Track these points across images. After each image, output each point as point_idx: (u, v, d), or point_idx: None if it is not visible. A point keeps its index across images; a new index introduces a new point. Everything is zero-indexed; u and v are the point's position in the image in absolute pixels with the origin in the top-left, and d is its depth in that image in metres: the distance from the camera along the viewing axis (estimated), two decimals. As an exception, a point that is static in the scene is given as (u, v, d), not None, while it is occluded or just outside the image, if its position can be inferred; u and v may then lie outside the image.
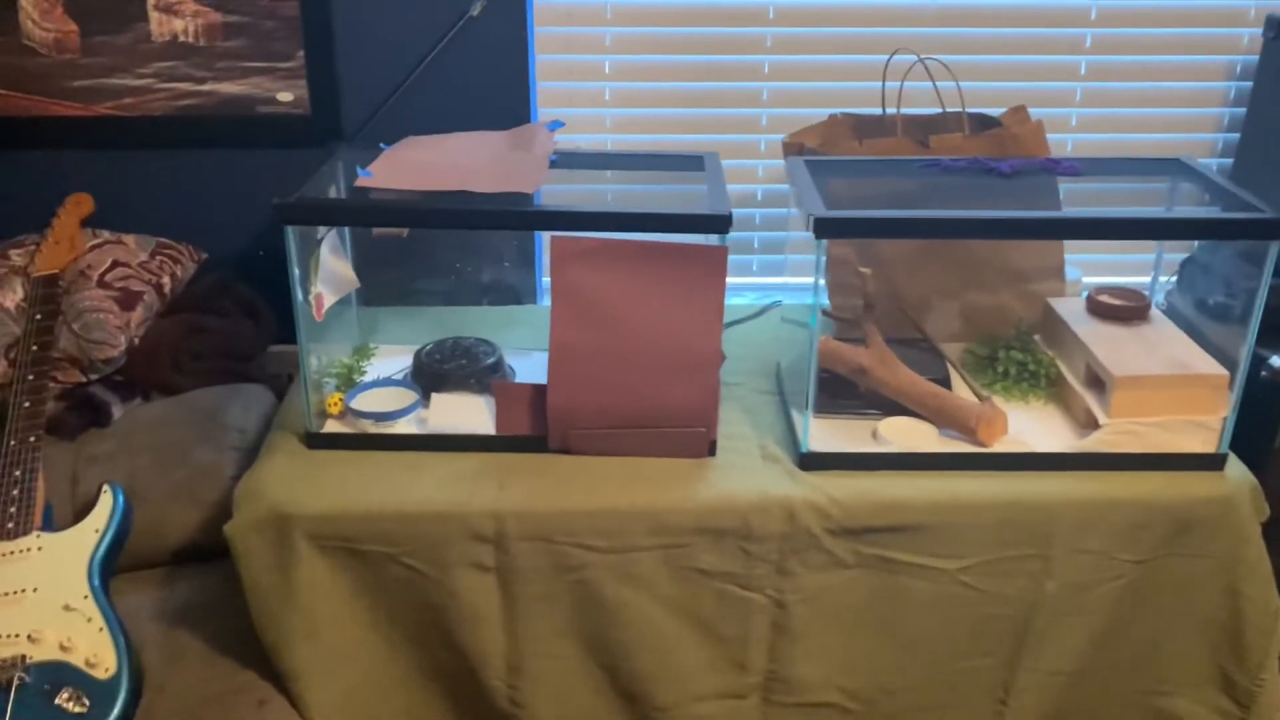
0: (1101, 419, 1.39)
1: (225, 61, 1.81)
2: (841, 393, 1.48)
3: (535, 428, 1.41)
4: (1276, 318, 1.64)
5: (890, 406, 1.47)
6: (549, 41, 1.86)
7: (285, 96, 1.84)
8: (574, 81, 1.89)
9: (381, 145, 1.49)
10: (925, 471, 1.39)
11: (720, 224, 1.30)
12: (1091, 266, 1.81)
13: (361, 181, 1.35)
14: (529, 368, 1.59)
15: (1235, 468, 1.40)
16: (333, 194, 1.47)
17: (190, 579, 1.53)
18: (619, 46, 1.86)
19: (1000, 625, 1.42)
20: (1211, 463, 1.39)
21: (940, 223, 1.29)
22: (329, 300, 1.45)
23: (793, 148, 1.68)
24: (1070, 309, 1.55)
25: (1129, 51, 1.88)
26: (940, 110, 1.65)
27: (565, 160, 1.52)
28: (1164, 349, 1.44)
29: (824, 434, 1.43)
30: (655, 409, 1.39)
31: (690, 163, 1.54)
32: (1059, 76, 1.89)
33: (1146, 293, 1.57)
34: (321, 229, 1.42)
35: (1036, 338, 1.59)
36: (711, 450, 1.42)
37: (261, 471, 1.38)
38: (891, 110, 1.64)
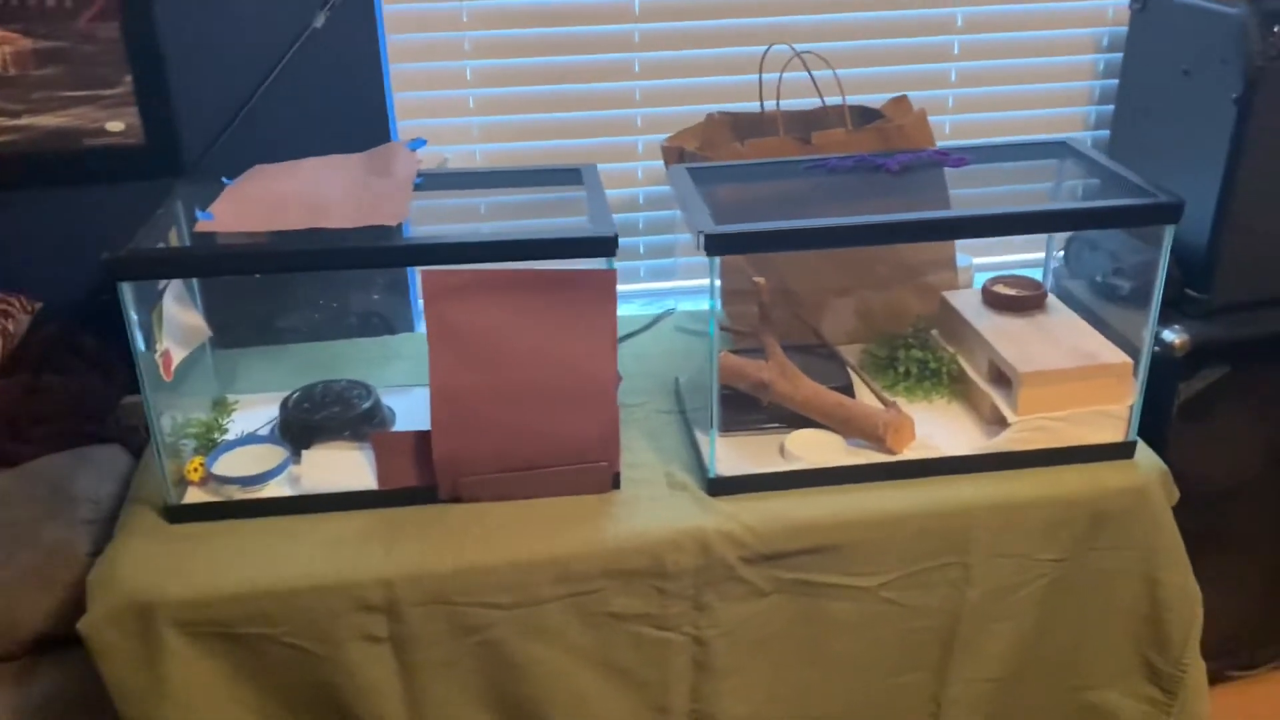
0: (1010, 417, 1.35)
1: (42, 91, 1.63)
2: (745, 408, 1.41)
3: (422, 477, 1.30)
4: (1143, 291, 1.63)
5: (795, 418, 1.41)
6: (403, 50, 1.73)
7: (115, 126, 1.67)
8: (434, 91, 1.77)
9: (224, 180, 1.35)
10: (837, 486, 1.33)
11: (606, 246, 1.21)
12: (979, 249, 1.78)
13: (202, 225, 1.21)
14: (410, 407, 1.47)
15: (1144, 454, 1.38)
16: (173, 238, 1.33)
17: (50, 672, 1.37)
18: (479, 51, 1.75)
19: (926, 638, 1.37)
20: (1122, 451, 1.37)
21: (832, 231, 1.22)
22: (178, 356, 1.31)
23: (673, 153, 1.59)
24: (966, 301, 1.51)
25: (1000, 29, 1.85)
26: (820, 103, 1.58)
27: (431, 181, 1.41)
28: (1065, 339, 1.40)
29: (730, 454, 1.35)
30: (552, 446, 1.29)
31: (567, 176, 1.44)
32: (933, 58, 1.85)
33: (1040, 280, 1.54)
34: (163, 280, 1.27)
35: (934, 333, 1.55)
36: (615, 483, 1.33)
37: (116, 555, 1.23)
38: (770, 104, 1.57)
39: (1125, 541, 1.36)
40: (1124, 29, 1.83)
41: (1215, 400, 1.82)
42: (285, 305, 1.61)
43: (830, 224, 1.21)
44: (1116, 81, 1.88)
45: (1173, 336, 1.63)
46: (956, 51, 1.85)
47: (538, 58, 1.76)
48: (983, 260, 1.80)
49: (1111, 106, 1.90)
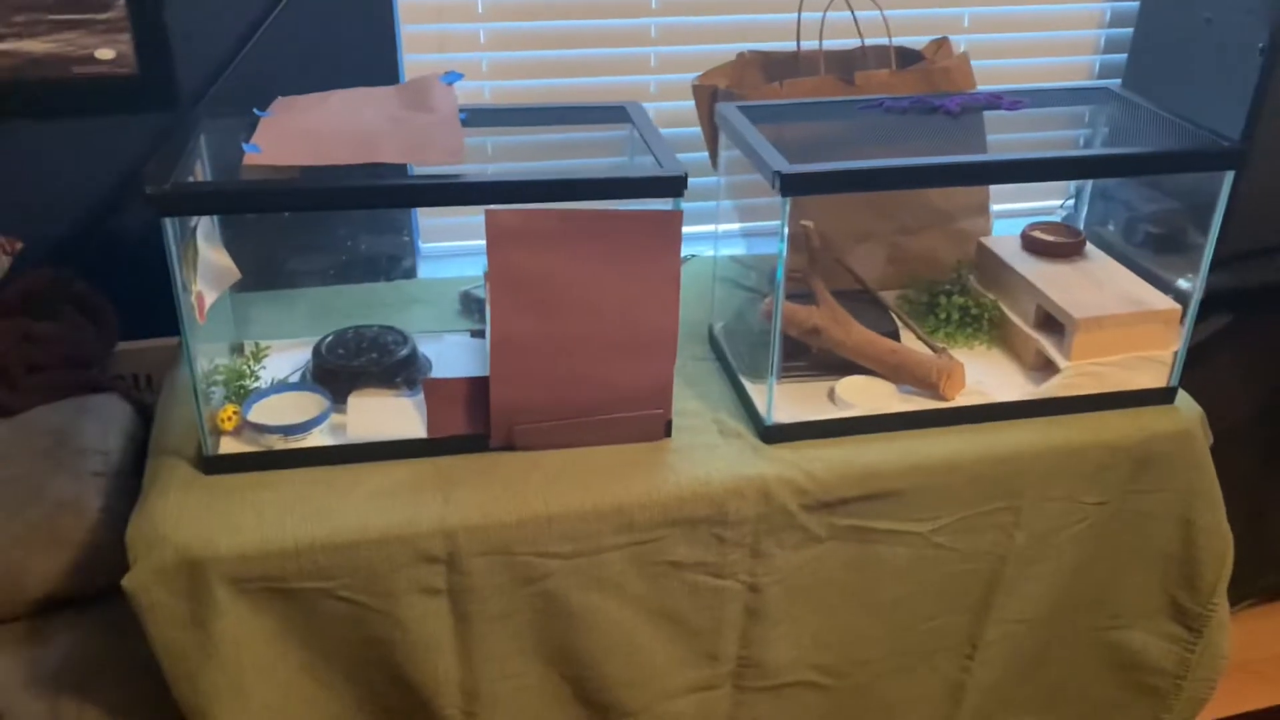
0: (1061, 362, 1.35)
1: (26, 14, 1.51)
2: (791, 354, 1.38)
3: (473, 425, 1.25)
4: (1169, 242, 1.66)
5: (840, 366, 1.39)
6: (415, -20, 1.65)
7: (105, 54, 1.56)
8: (444, 24, 1.69)
9: (256, 111, 1.27)
10: (892, 433, 1.32)
11: (675, 186, 1.17)
12: (996, 196, 1.78)
13: (250, 159, 1.14)
14: (442, 353, 1.41)
15: (1184, 399, 1.40)
16: (199, 172, 1.25)
17: (65, 633, 1.30)
18: (495, -16, 1.67)
19: (970, 581, 1.38)
20: (1165, 396, 1.38)
21: (917, 171, 1.20)
22: (210, 298, 1.23)
23: (705, 92, 1.55)
24: (1006, 248, 1.51)
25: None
26: (859, 43, 1.55)
27: (472, 117, 1.34)
28: (1111, 286, 1.41)
29: (779, 401, 1.33)
30: (608, 394, 1.25)
31: (612, 114, 1.38)
32: (947, 2, 1.82)
33: (1075, 225, 1.55)
34: (195, 217, 1.19)
35: (972, 278, 1.54)
36: (668, 431, 1.30)
37: (155, 509, 1.16)
38: (807, 45, 1.53)
39: (1165, 484, 1.38)
40: (1135, -21, 1.84)
41: (1214, 349, 1.86)
42: (301, 246, 1.53)
43: (915, 164, 1.19)
44: (1125, 31, 1.89)
45: (1186, 285, 1.65)
46: (971, -4, 1.84)
47: (556, -8, 1.70)
48: (998, 208, 1.80)
49: (1119, 56, 1.91)
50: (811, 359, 1.40)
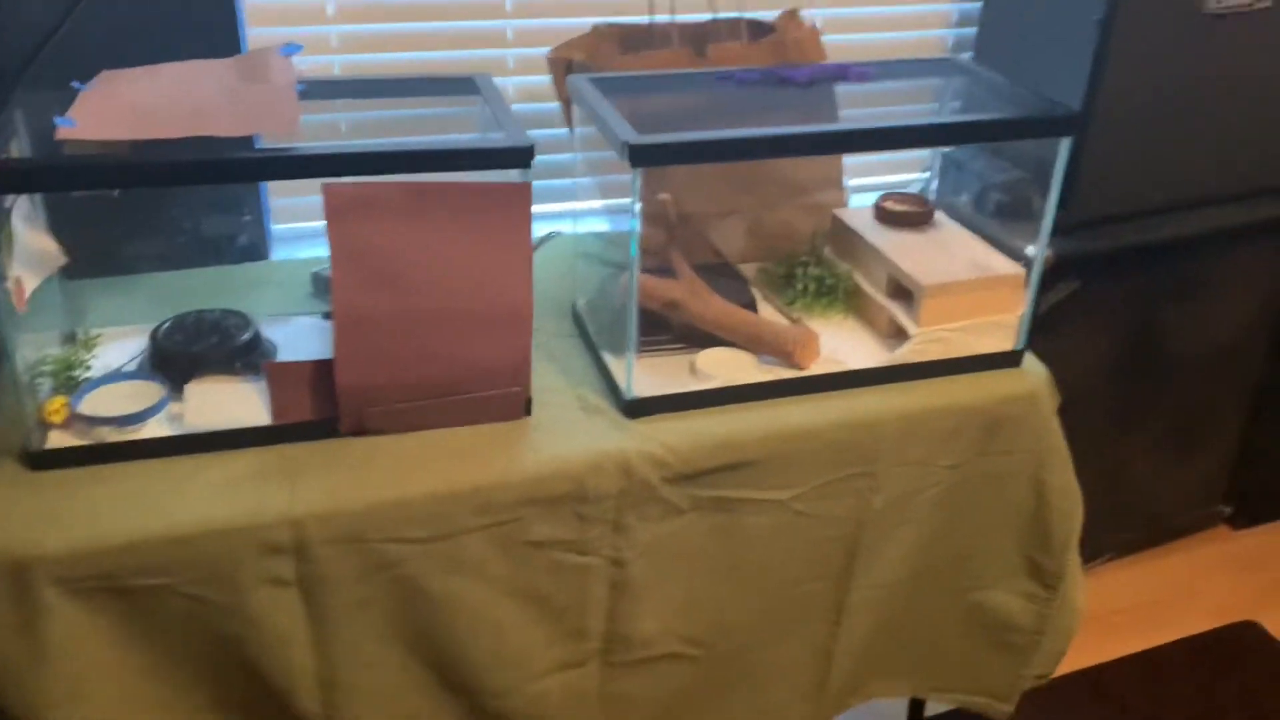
0: (911, 329, 1.37)
1: None
2: (652, 329, 1.38)
3: (320, 410, 1.21)
4: (1017, 210, 1.71)
5: (701, 337, 1.39)
6: (254, -52, 1.58)
7: (-87, 26, 1.45)
8: (288, -4, 1.63)
9: (75, 84, 1.19)
10: (751, 403, 1.33)
11: (521, 156, 1.14)
12: (851, 169, 1.80)
13: (64, 132, 1.07)
14: (290, 336, 1.36)
15: (1031, 362, 1.44)
16: (16, 150, 1.17)
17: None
18: (340, -47, 1.62)
19: (832, 548, 1.40)
20: (1012, 360, 1.42)
21: (767, 141, 1.20)
22: (31, 284, 1.16)
23: (559, 64, 1.53)
24: (859, 219, 1.53)
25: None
26: (711, 16, 1.55)
27: (311, 90, 1.29)
28: (960, 252, 1.44)
29: (641, 376, 1.32)
30: (463, 372, 1.22)
31: (459, 86, 1.35)
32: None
33: (925, 195, 1.57)
34: (10, 197, 1.12)
35: (827, 250, 1.56)
36: (528, 409, 1.28)
37: (-25, 509, 1.09)
38: (661, 18, 1.52)
39: (1016, 445, 1.42)
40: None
41: (1065, 314, 1.93)
42: (137, 229, 1.45)
43: (763, 134, 1.19)
44: (976, 4, 1.93)
45: (1032, 251, 1.70)
46: (825, -31, 1.85)
47: (405, -39, 1.65)
48: (856, 182, 1.83)
49: (971, 30, 1.95)
50: (672, 332, 1.39)
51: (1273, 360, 2.23)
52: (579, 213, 1.48)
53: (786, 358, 1.36)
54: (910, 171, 1.98)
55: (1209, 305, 2.07)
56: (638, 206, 1.21)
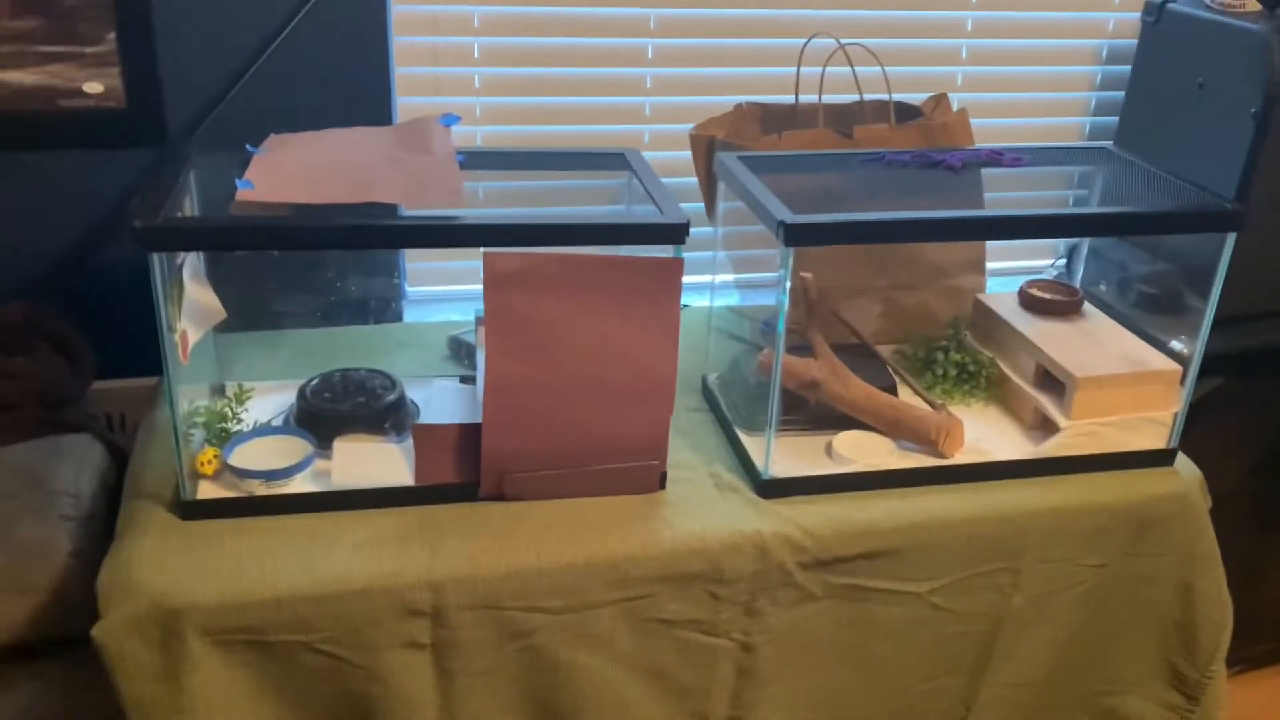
0: (1061, 421, 1.33)
1: (14, 45, 1.48)
2: (789, 408, 1.36)
3: (462, 474, 1.22)
4: (1164, 303, 1.65)
5: (837, 420, 1.37)
6: (409, 22, 1.64)
7: (94, 87, 1.53)
8: (438, 67, 1.68)
9: (249, 147, 1.24)
10: (889, 490, 1.29)
11: (677, 233, 1.15)
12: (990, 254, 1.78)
13: (243, 195, 1.11)
14: (429, 399, 1.38)
15: (1184, 462, 1.38)
16: (188, 207, 1.22)
17: (28, 683, 1.24)
18: (488, 28, 1.66)
19: (966, 643, 1.35)
20: (1164, 459, 1.37)
21: (921, 225, 1.18)
22: (195, 337, 1.19)
23: (701, 141, 1.54)
24: (1004, 305, 1.50)
25: (1006, 35, 1.85)
26: (858, 98, 1.55)
27: (468, 160, 1.32)
28: (1111, 345, 1.40)
29: (777, 456, 1.30)
30: (603, 443, 1.22)
31: (609, 160, 1.37)
32: (941, 61, 1.83)
33: (1072, 284, 1.54)
34: (183, 254, 1.16)
35: (968, 335, 1.53)
36: (662, 483, 1.27)
37: (130, 555, 1.12)
38: (807, 98, 1.53)
39: (1165, 548, 1.36)
40: (1125, 41, 1.85)
41: (1205, 410, 1.85)
42: (289, 287, 1.49)
43: (923, 217, 1.17)
44: (1116, 94, 1.90)
45: (1179, 346, 1.64)
46: (964, 56, 1.85)
47: (547, 38, 1.69)
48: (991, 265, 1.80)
49: (1109, 119, 1.92)
50: (808, 412, 1.38)
51: None
52: (714, 286, 1.48)
53: (930, 445, 1.32)
54: (1043, 258, 1.95)
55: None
56: (787, 284, 1.20)
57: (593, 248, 1.15)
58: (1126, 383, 1.32)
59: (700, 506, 1.25)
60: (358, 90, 1.62)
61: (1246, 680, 2.19)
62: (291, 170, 1.18)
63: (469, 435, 1.20)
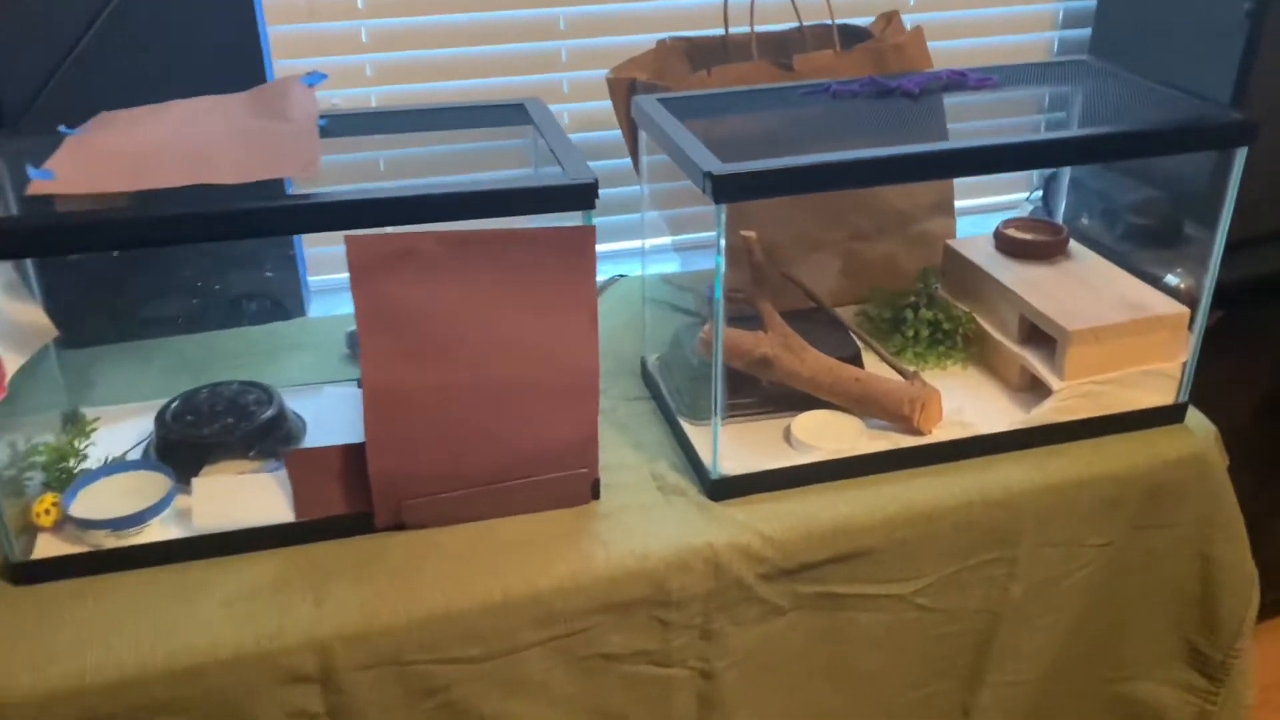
0: (1053, 383, 1.15)
1: None
2: (739, 389, 1.17)
3: (352, 503, 1.02)
4: (1157, 235, 1.47)
5: (796, 399, 1.18)
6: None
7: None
8: (318, 23, 1.46)
9: (62, 129, 1.02)
10: (861, 478, 1.11)
11: (584, 196, 0.95)
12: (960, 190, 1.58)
13: (36, 187, 0.89)
14: (321, 411, 1.18)
15: (1195, 417, 1.20)
16: (-4, 207, 1.00)
17: None
18: (373, -27, 1.45)
19: (959, 644, 1.17)
20: (1174, 415, 1.19)
21: (883, 164, 0.98)
22: (14, 364, 0.98)
23: (620, 85, 1.33)
24: (978, 250, 1.30)
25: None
26: (797, 25, 1.34)
27: (336, 125, 1.11)
28: (1106, 289, 1.21)
29: (728, 446, 1.11)
30: (519, 453, 1.03)
31: (508, 114, 1.16)
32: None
33: (1055, 221, 1.35)
34: (-15, 263, 0.95)
35: (939, 288, 1.34)
36: (595, 492, 1.08)
37: (-59, 639, 0.91)
38: (737, 29, 1.32)
39: (1180, 517, 1.18)
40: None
41: (1205, 349, 1.68)
42: (148, 290, 1.28)
43: (880, 156, 0.98)
44: (1087, 2, 1.70)
45: (1176, 280, 1.46)
46: (916, -31, 1.64)
47: (443, -21, 1.47)
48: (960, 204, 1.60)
49: (1081, 30, 1.73)
50: (762, 393, 1.18)
51: None
52: (646, 252, 1.28)
53: (903, 422, 1.14)
54: (1018, 191, 1.76)
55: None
56: (722, 244, 1.00)
57: (487, 221, 0.94)
58: (1126, 332, 1.14)
59: (641, 517, 1.06)
60: (223, 55, 1.39)
61: (1259, 632, 2.03)
62: (108, 154, 0.97)
63: (357, 456, 1.00)
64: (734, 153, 0.99)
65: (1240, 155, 1.07)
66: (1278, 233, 1.62)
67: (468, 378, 0.97)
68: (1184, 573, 1.22)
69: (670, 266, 1.39)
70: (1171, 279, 1.45)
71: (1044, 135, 1.02)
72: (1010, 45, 1.72)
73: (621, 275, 1.52)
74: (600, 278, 1.51)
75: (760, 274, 1.14)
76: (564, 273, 0.96)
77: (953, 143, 0.99)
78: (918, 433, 1.14)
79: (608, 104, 1.40)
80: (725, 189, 0.95)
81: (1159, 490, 1.16)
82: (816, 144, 1.07)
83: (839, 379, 1.15)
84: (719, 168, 0.94)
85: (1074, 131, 1.02)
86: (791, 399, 1.18)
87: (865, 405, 1.15)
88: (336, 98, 1.50)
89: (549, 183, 0.95)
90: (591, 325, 1.00)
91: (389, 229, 0.91)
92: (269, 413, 1.11)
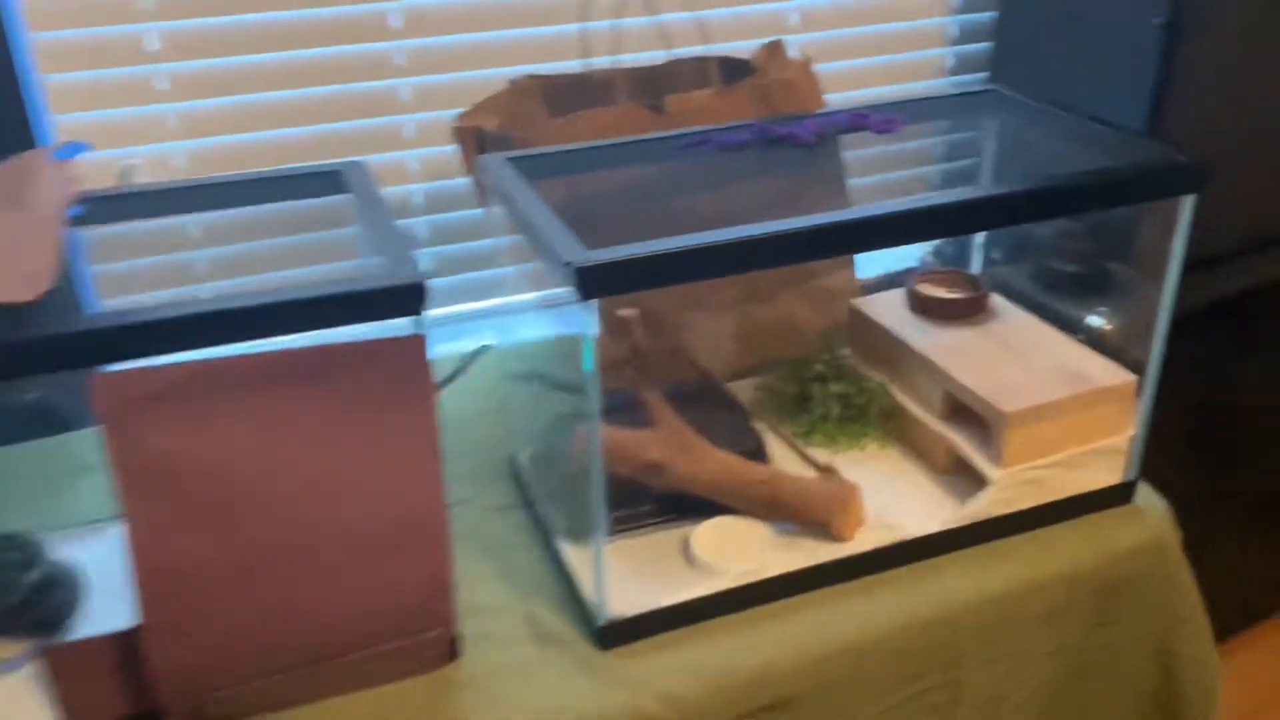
0: (990, 472, 0.98)
1: None
2: (624, 500, 0.98)
3: (136, 700, 0.79)
4: (1084, 284, 1.34)
5: (693, 501, 0.99)
6: (51, 13, 1.17)
7: None
8: (105, 69, 1.22)
9: None
10: (778, 603, 0.93)
11: (410, 299, 0.74)
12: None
13: None
14: (106, 562, 0.94)
15: (1146, 495, 1.06)
16: None
17: None
18: (170, 8, 1.21)
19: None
20: (1123, 494, 1.04)
21: (789, 242, 0.80)
22: None
23: (468, 135, 1.13)
24: (889, 311, 1.14)
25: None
26: (666, 55, 1.16)
27: (101, 209, 0.88)
28: (1039, 355, 1.05)
29: (619, 573, 0.92)
30: (351, 621, 0.81)
31: (322, 184, 0.94)
32: (771, -3, 1.46)
33: (971, 271, 1.19)
34: None
35: (847, 354, 1.17)
36: (454, 652, 0.87)
37: None
38: (600, 60, 1.13)
39: (1137, 612, 1.04)
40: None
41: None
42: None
43: (786, 230, 0.79)
44: (985, 15, 1.57)
45: (1099, 322, 1.33)
46: (798, -13, 1.48)
47: (253, 13, 1.24)
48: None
49: (980, 45, 1.59)
50: (654, 500, 0.99)
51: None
52: (492, 315, 1.07)
53: (822, 527, 0.96)
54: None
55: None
56: (591, 346, 0.80)
57: (288, 338, 0.73)
58: (1069, 409, 0.98)
59: (512, 681, 0.86)
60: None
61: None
62: None
63: (138, 642, 0.77)
64: (604, 230, 0.79)
65: (1188, 203, 0.92)
66: (1196, 262, 1.51)
67: (272, 538, 0.76)
68: (1144, 669, 1.07)
69: (543, 330, 1.19)
70: (1094, 319, 1.31)
71: (967, 195, 0.85)
72: (902, 63, 1.57)
73: (488, 346, 1.31)
74: (464, 349, 1.31)
75: (643, 359, 0.95)
76: (391, 395, 0.76)
77: (864, 211, 0.81)
78: (839, 539, 0.96)
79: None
80: (593, 283, 0.75)
81: (1113, 586, 1.01)
82: (702, 211, 0.88)
83: (744, 482, 0.97)
84: (583, 257, 0.75)
85: (1003, 188, 0.85)
86: (688, 503, 0.99)
87: (776, 510, 0.97)
88: (137, 155, 1.26)
89: (361, 286, 0.73)
90: (432, 456, 0.79)
91: (151, 360, 0.69)
92: (30, 577, 0.87)
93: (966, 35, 1.60)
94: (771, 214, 0.82)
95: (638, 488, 0.97)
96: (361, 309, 0.73)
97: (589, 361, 0.82)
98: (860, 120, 0.99)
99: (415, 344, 0.75)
